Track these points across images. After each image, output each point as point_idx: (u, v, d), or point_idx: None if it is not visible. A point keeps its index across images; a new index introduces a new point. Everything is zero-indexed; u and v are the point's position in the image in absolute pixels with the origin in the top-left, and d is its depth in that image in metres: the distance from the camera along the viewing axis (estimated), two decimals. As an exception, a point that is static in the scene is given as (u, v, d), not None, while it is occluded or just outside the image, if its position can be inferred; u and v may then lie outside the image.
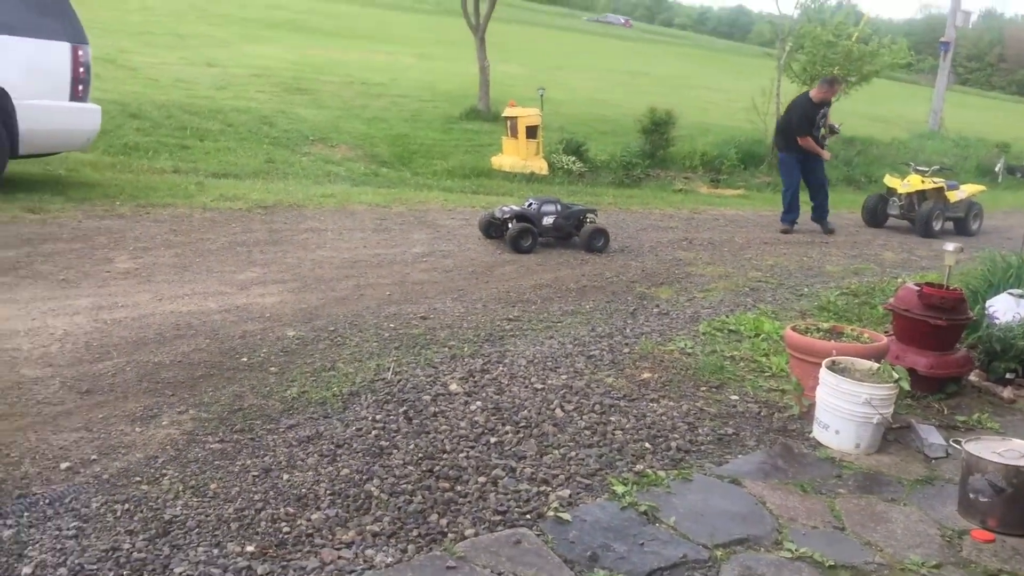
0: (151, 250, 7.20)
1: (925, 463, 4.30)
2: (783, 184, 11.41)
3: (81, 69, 8.41)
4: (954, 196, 12.21)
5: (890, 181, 12.50)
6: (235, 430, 4.06)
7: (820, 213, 11.37)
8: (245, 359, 4.98)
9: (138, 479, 3.54)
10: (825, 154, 11.16)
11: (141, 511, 3.30)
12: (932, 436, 4.48)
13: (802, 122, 10.79)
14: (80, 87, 8.44)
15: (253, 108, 15.11)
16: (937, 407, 5.02)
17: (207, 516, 3.30)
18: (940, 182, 12.12)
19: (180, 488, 3.49)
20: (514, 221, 8.46)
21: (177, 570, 2.95)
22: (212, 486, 3.52)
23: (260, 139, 13.34)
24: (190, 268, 6.80)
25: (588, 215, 8.90)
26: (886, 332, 5.41)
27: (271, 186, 10.55)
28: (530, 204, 8.77)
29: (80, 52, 8.37)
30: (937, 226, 11.80)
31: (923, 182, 12.00)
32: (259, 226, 8.43)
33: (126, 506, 3.32)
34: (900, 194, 12.09)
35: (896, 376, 4.30)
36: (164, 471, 3.62)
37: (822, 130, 11.08)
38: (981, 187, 13.74)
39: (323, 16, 36.25)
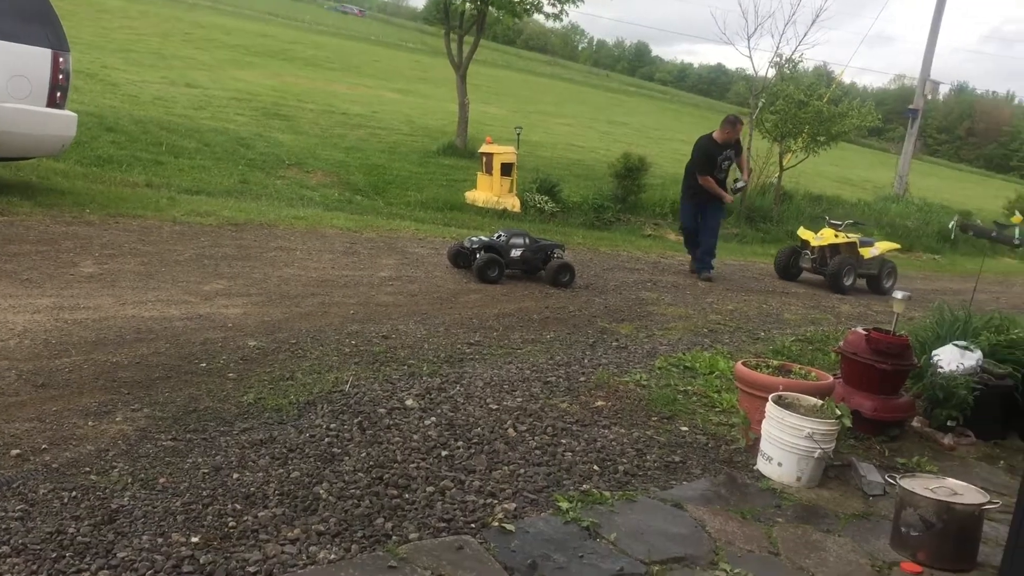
0: (117, 257, 7.23)
1: (863, 499, 4.42)
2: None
3: (60, 76, 8.46)
4: (868, 252, 11.90)
5: (804, 234, 12.08)
6: (188, 430, 4.10)
7: (704, 259, 10.80)
8: (204, 364, 5.02)
9: (87, 469, 3.57)
10: (726, 197, 10.84)
11: (88, 499, 3.33)
12: (871, 474, 4.60)
13: (702, 161, 10.52)
14: (58, 94, 8.49)
15: (231, 130, 15.20)
16: (879, 449, 5.16)
17: (154, 507, 3.34)
18: (853, 237, 11.83)
19: (129, 480, 3.52)
20: (482, 251, 8.58)
21: (120, 555, 2.99)
22: (161, 480, 3.56)
23: (236, 160, 13.41)
24: (155, 276, 6.83)
25: (556, 250, 9.04)
26: (835, 375, 5.55)
27: (243, 205, 10.60)
28: (499, 236, 8.90)
29: (61, 59, 8.43)
30: (848, 281, 11.47)
31: (836, 236, 11.68)
32: (228, 241, 8.48)
33: (73, 494, 3.35)
34: (813, 247, 11.74)
35: (839, 413, 4.44)
36: (114, 463, 3.65)
37: (726, 173, 10.77)
38: (895, 245, 13.49)
39: (309, 47, 36.60)
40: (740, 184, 11.27)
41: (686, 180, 10.95)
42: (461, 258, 8.79)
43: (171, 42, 27.34)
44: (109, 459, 3.69)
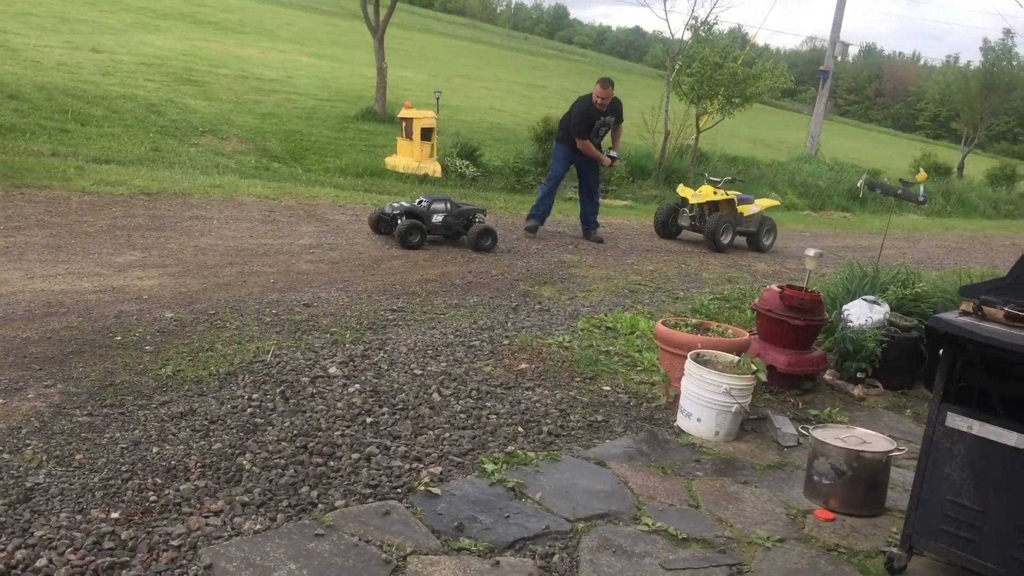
0: (23, 230, 6.97)
1: (778, 451, 4.58)
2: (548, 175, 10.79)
3: (-45, 41, 8.07)
4: (747, 210, 11.66)
5: (683, 191, 11.81)
6: (105, 404, 4.01)
7: (589, 223, 10.65)
8: (119, 338, 4.90)
9: (0, 448, 3.47)
10: (604, 159, 10.45)
11: (2, 478, 3.25)
12: (786, 427, 4.76)
13: (580, 123, 10.14)
14: (-47, 59, 8.10)
15: (140, 96, 14.70)
16: (793, 402, 5.34)
17: (71, 485, 3.27)
18: (732, 194, 11.54)
19: (44, 458, 3.44)
20: (404, 217, 8.52)
21: (38, 533, 2.93)
22: (78, 456, 3.49)
23: (147, 127, 12.99)
24: (64, 249, 6.61)
25: (477, 215, 9.04)
26: (751, 332, 5.70)
27: (156, 174, 10.30)
28: (420, 202, 8.85)
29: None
30: (726, 239, 11.19)
31: (715, 193, 11.39)
32: (141, 212, 8.25)
33: (-14, 473, 3.26)
34: (691, 204, 11.45)
35: (754, 368, 4.57)
36: (28, 441, 3.56)
37: (600, 139, 10.43)
38: (775, 202, 13.24)
39: (217, 9, 35.42)
40: (612, 154, 10.74)
41: (563, 130, 10.55)
42: (382, 224, 8.72)
43: (74, 5, 26.16)
44: (22, 437, 3.59)
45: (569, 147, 10.36)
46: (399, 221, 8.53)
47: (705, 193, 11.38)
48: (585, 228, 10.67)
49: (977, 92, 30.56)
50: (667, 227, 11.73)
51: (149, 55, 19.30)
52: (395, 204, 8.83)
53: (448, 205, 8.91)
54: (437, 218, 8.83)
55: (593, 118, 10.18)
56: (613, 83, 10.15)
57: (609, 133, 10.56)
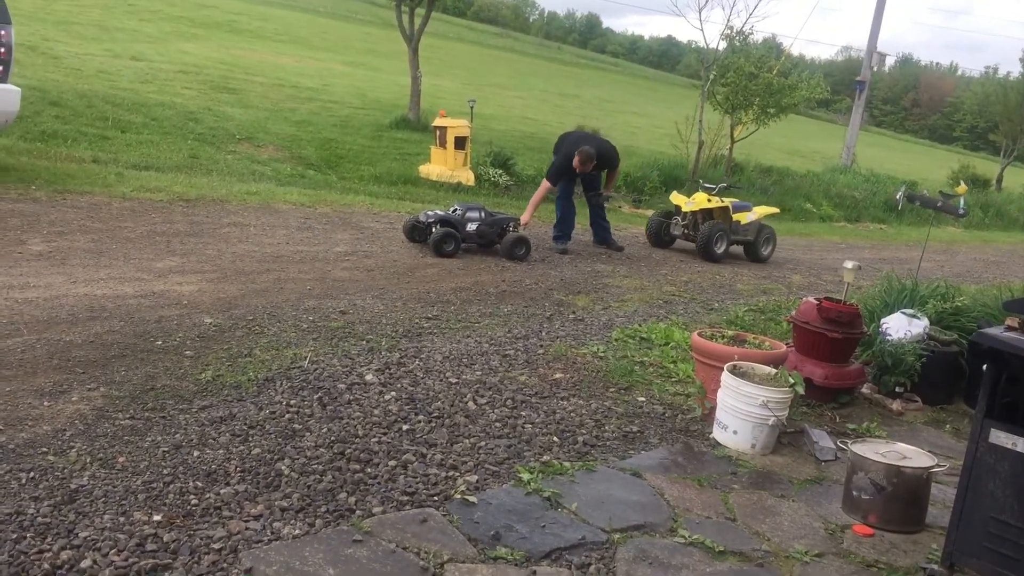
0: (67, 235, 7.09)
1: (815, 465, 4.54)
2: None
3: (2, 49, 8.23)
4: (743, 218, 11.00)
5: (676, 199, 11.17)
6: (146, 408, 4.07)
7: (601, 234, 10.51)
8: (160, 343, 4.97)
9: (44, 450, 3.53)
10: (524, 218, 9.47)
11: (47, 480, 3.30)
12: (823, 440, 4.73)
13: (556, 170, 9.86)
14: (0, 68, 8.26)
15: (178, 104, 14.90)
16: (830, 415, 5.29)
17: (114, 487, 3.32)
18: (727, 202, 10.93)
19: (88, 460, 3.50)
20: (438, 225, 8.57)
21: (82, 535, 2.97)
22: (120, 459, 3.54)
23: (184, 135, 13.17)
24: (106, 254, 6.72)
25: (511, 224, 9.06)
26: (787, 344, 5.66)
27: (194, 180, 10.44)
28: (455, 210, 8.90)
29: (3, 32, 8.19)
30: (719, 249, 10.61)
31: (709, 200, 10.78)
32: (180, 218, 8.36)
33: (31, 475, 3.32)
34: (684, 212, 10.87)
35: (792, 381, 4.54)
36: (72, 444, 3.62)
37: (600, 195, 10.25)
38: (774, 209, 12.30)
39: (255, 18, 35.86)
40: (605, 194, 10.50)
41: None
42: (417, 232, 8.76)
43: (113, 14, 26.60)
44: (66, 439, 3.65)
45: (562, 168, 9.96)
46: (433, 229, 8.57)
47: (699, 201, 10.82)
48: (603, 237, 10.56)
49: (1016, 103, 30.06)
50: (659, 236, 11.14)
51: (187, 63, 19.57)
52: (429, 212, 8.86)
53: (482, 214, 8.94)
54: (471, 227, 8.86)
55: (573, 175, 9.95)
56: (590, 154, 9.67)
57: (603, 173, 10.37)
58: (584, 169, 9.79)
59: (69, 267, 6.24)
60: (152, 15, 28.85)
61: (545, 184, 9.93)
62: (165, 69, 18.29)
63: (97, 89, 14.41)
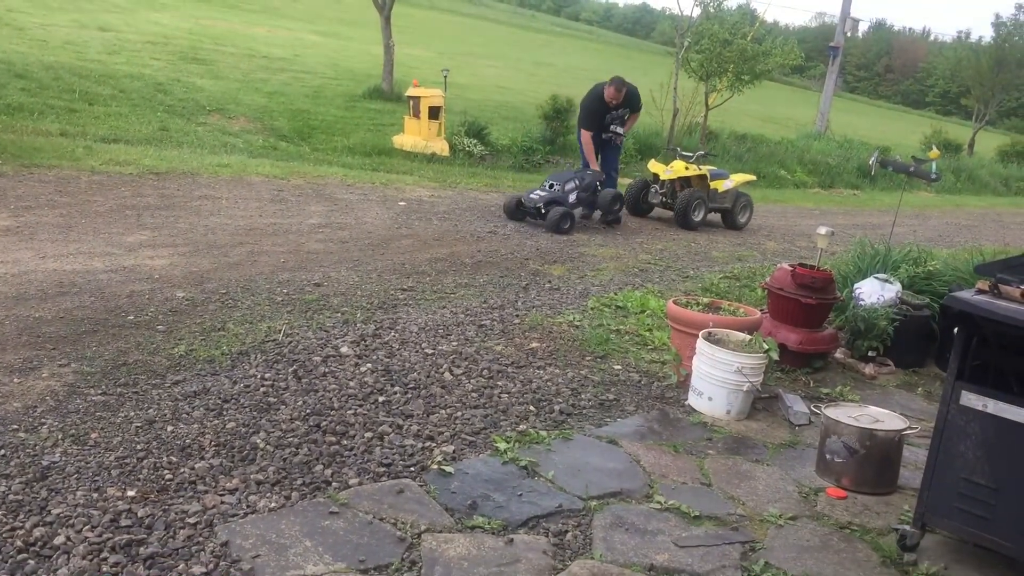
0: (34, 209, 6.98)
1: (789, 429, 4.58)
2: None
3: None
4: (720, 185, 11.06)
5: (654, 167, 11.10)
6: (118, 384, 4.03)
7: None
8: (131, 317, 4.91)
9: (15, 427, 3.50)
10: (594, 164, 10.16)
11: (18, 457, 3.27)
12: (797, 405, 4.77)
13: (587, 117, 10.22)
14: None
15: (147, 75, 14.67)
16: (804, 380, 5.33)
17: (87, 463, 3.29)
18: (704, 170, 10.97)
19: (59, 436, 3.46)
20: (550, 206, 9.11)
21: (55, 511, 2.95)
22: (93, 435, 3.51)
23: (154, 107, 12.98)
24: (75, 228, 6.62)
25: (598, 181, 9.65)
26: (762, 310, 5.69)
27: (164, 153, 10.30)
28: (552, 186, 9.35)
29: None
30: (697, 216, 10.67)
31: (687, 168, 10.80)
32: (150, 191, 8.25)
33: (2, 452, 3.29)
34: (662, 180, 10.84)
35: (766, 347, 4.56)
36: (43, 420, 3.58)
37: (610, 132, 10.29)
38: (751, 176, 12.63)
39: (224, -13, 35.28)
40: (618, 130, 10.39)
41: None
42: (519, 212, 9.39)
43: (79, -18, 26.10)
44: (37, 416, 3.62)
45: (591, 108, 10.32)
46: (543, 210, 9.09)
47: (677, 169, 10.84)
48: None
49: (988, 68, 30.25)
50: (638, 205, 11.08)
51: (155, 33, 19.25)
52: (533, 195, 9.30)
53: (576, 182, 9.42)
54: (572, 197, 9.34)
55: (603, 113, 10.19)
56: (624, 82, 10.10)
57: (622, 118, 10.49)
58: (617, 98, 10.05)
59: (37, 242, 6.15)
60: (119, -16, 28.30)
61: (584, 133, 10.23)
62: (133, 40, 17.98)
63: (64, 61, 14.16)
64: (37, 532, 2.82)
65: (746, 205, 11.53)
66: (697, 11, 17.87)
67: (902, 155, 17.02)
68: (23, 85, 12.10)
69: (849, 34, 27.80)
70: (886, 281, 6.00)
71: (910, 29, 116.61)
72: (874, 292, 5.90)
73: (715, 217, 11.38)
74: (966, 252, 7.78)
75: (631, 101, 10.32)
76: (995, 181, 25.57)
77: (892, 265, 6.47)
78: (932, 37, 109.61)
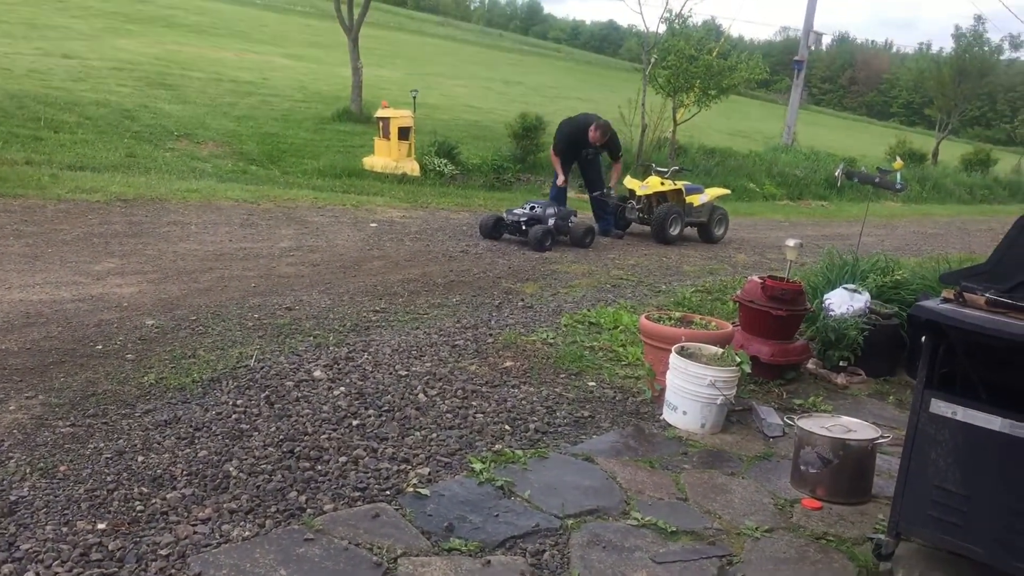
0: (-1, 239, 6.90)
1: (764, 441, 4.60)
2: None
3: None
4: (696, 200, 11.23)
5: (630, 183, 11.21)
6: (87, 415, 3.97)
7: (608, 219, 10.95)
8: (100, 347, 4.86)
9: (-18, 462, 3.43)
10: (560, 177, 10.63)
11: (-15, 492, 3.21)
12: (771, 417, 4.79)
13: (561, 142, 10.72)
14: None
15: (113, 101, 14.57)
16: (777, 392, 5.36)
17: (56, 496, 3.24)
18: (680, 184, 11.15)
19: (27, 470, 3.41)
20: (530, 223, 9.42)
21: (24, 547, 2.90)
22: (62, 468, 3.45)
23: (120, 133, 12.89)
24: (42, 258, 6.55)
25: (571, 216, 9.91)
26: (734, 323, 5.73)
27: (132, 180, 10.22)
28: (532, 207, 9.72)
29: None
30: (674, 231, 10.83)
31: (662, 184, 10.97)
32: (118, 218, 8.18)
33: (-32, 488, 3.22)
34: (639, 196, 10.99)
35: (738, 360, 4.59)
36: (10, 454, 3.53)
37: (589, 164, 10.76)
38: (725, 191, 12.96)
39: (192, 12, 35.15)
40: (607, 191, 10.89)
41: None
42: (497, 230, 9.64)
43: (43, 11, 25.88)
44: (4, 449, 3.56)
45: (569, 139, 10.74)
46: (524, 227, 9.43)
47: (653, 184, 10.98)
48: (605, 226, 10.93)
49: (950, 79, 30.75)
50: (616, 220, 11.15)
51: (121, 60, 19.13)
52: (514, 211, 9.66)
53: (556, 209, 9.75)
54: (551, 221, 9.62)
55: (580, 147, 10.61)
56: (611, 128, 10.57)
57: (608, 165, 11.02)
58: (600, 141, 10.48)
59: (3, 272, 6.07)
60: (84, 12, 28.13)
61: (553, 157, 10.78)
62: (98, 67, 17.85)
63: (28, 89, 14.04)
64: (6, 569, 2.77)
65: (721, 218, 11.72)
66: (663, 28, 18.07)
67: (868, 166, 17.23)
68: (-13, 114, 11.98)
69: (813, 47, 28.20)
70: (855, 291, 6.07)
71: (873, 42, 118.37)
72: (843, 302, 5.96)
73: (692, 231, 11.54)
74: (933, 260, 7.89)
75: (610, 145, 10.75)
76: (960, 189, 25.98)
77: (861, 275, 6.54)
78: (894, 49, 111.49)
